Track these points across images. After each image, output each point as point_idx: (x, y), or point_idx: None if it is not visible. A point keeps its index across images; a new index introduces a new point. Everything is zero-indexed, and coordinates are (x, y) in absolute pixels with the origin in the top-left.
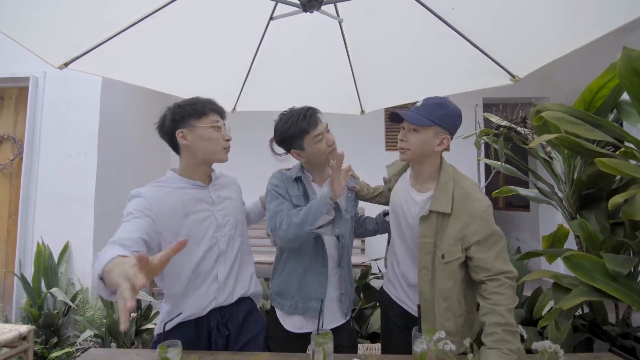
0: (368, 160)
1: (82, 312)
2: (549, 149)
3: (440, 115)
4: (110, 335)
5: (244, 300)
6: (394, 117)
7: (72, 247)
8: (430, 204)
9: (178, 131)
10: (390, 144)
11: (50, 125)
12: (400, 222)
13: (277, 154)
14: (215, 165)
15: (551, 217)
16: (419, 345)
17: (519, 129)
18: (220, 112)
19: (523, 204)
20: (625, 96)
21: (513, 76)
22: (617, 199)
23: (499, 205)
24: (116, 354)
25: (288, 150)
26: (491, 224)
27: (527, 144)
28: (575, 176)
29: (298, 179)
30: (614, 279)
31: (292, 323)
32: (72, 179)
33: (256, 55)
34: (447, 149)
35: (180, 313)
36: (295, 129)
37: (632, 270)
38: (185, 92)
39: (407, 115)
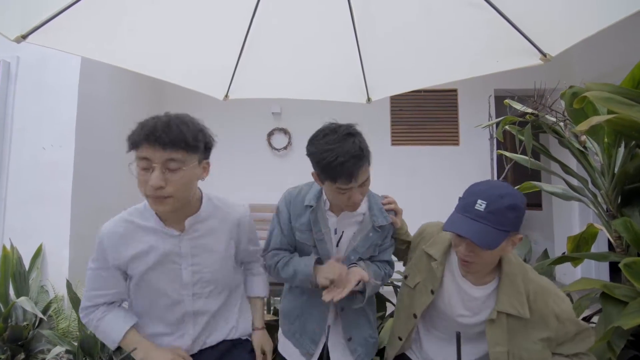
0: (373, 156)
1: (56, 322)
2: (583, 137)
3: (513, 219)
4: (82, 352)
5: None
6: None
7: (45, 250)
8: (497, 303)
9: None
10: (397, 139)
11: (23, 114)
12: (441, 317)
13: (276, 148)
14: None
15: (567, 216)
16: None
17: (547, 116)
18: (157, 142)
19: (534, 202)
20: None
21: (544, 54)
22: None
23: None
24: None
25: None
26: (581, 322)
27: (560, 134)
28: (616, 168)
29: (312, 209)
30: None
31: (284, 348)
32: (46, 174)
33: (248, 34)
34: None
35: (135, 349)
36: (325, 166)
37: None
38: (169, 75)
39: (480, 240)
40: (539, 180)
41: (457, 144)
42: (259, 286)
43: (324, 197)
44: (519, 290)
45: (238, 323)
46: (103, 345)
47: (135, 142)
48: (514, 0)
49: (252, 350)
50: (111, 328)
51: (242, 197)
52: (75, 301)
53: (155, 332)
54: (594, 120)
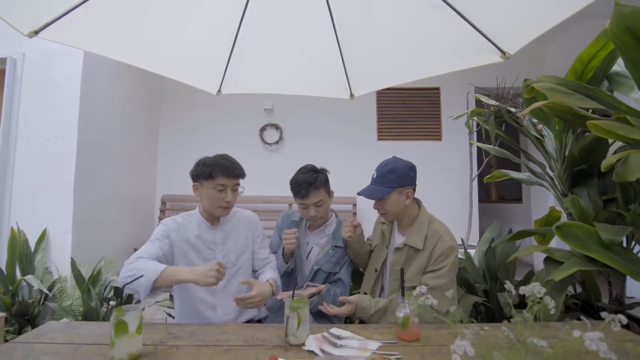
0: (359, 151)
1: (59, 301)
2: (540, 126)
3: (394, 179)
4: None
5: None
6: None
7: (50, 235)
8: (405, 238)
9: (193, 184)
10: (383, 134)
11: (28, 108)
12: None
13: (267, 143)
14: None
15: (543, 207)
16: (402, 311)
17: (509, 108)
18: (231, 175)
19: (515, 197)
20: (616, 67)
21: (503, 53)
22: (610, 159)
23: (491, 198)
24: (74, 326)
25: None
26: (443, 265)
27: (519, 123)
28: (566, 153)
29: (295, 223)
30: (608, 248)
31: None
32: (50, 164)
33: (238, 32)
34: (410, 198)
35: (142, 275)
36: (291, 187)
37: (627, 241)
38: (167, 70)
39: (368, 194)
40: (520, 171)
41: (440, 139)
42: (271, 272)
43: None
44: (422, 231)
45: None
46: (103, 317)
47: (212, 174)
48: (478, 3)
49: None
50: (148, 266)
51: None
52: (79, 279)
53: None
54: (535, 105)
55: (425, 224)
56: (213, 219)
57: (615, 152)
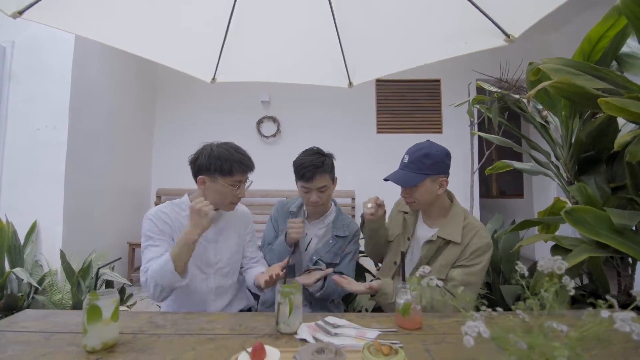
0: (358, 144)
1: (50, 295)
2: (545, 112)
3: (429, 165)
4: None
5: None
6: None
7: (40, 227)
8: (439, 230)
9: (200, 177)
10: (382, 126)
11: (18, 97)
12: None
13: (265, 136)
14: None
15: (545, 200)
16: (402, 297)
17: (513, 94)
18: (248, 170)
19: (516, 191)
20: (626, 48)
21: (507, 35)
22: (624, 137)
23: (492, 193)
24: (50, 314)
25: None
26: (475, 262)
27: (523, 110)
28: (573, 139)
29: (293, 213)
30: (620, 234)
31: None
32: (40, 154)
33: (231, 19)
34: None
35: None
36: (295, 168)
37: (636, 227)
38: (159, 56)
39: (400, 181)
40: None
41: (441, 132)
42: (263, 268)
43: (304, 207)
44: (458, 224)
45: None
46: None
47: (231, 170)
48: None
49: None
50: (159, 262)
51: None
52: (68, 271)
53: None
54: (541, 85)
55: (461, 217)
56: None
57: None
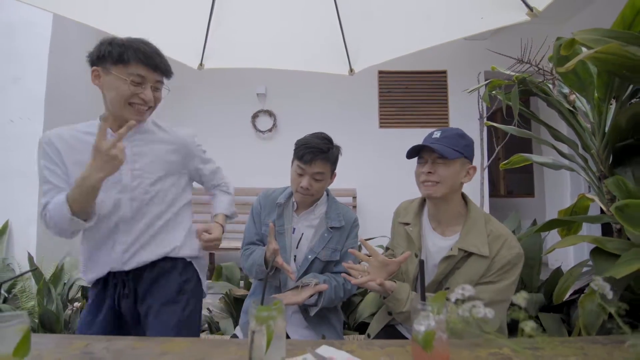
0: (359, 139)
1: (21, 301)
2: (573, 96)
3: (464, 146)
4: (42, 327)
5: (163, 261)
6: (413, 152)
7: (12, 227)
8: (459, 241)
9: (93, 68)
10: (385, 121)
11: None
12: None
13: (260, 131)
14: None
15: (560, 200)
16: (422, 322)
17: (540, 71)
18: (154, 68)
19: (526, 191)
20: None
21: (531, 9)
22: None
23: (499, 193)
24: None
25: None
26: (505, 277)
27: (547, 93)
28: (607, 126)
29: (280, 205)
30: None
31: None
32: (14, 147)
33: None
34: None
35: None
36: (297, 145)
37: None
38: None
39: (440, 148)
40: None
41: (447, 126)
42: (222, 203)
43: (293, 198)
44: (481, 232)
45: (183, 244)
46: (66, 320)
47: (122, 55)
48: None
49: (188, 274)
50: (56, 207)
51: (227, 173)
52: (37, 276)
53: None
54: (581, 56)
55: (482, 223)
56: (118, 125)
57: None
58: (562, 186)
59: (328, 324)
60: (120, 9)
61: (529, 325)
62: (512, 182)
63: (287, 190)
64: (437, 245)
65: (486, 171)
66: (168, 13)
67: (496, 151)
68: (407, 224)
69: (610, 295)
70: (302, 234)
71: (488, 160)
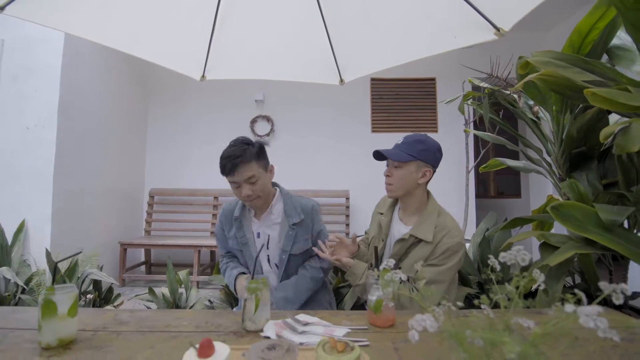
0: (353, 143)
1: (37, 295)
2: (536, 108)
3: (420, 150)
4: None
5: None
6: (378, 155)
7: (28, 226)
8: (412, 229)
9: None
10: (377, 126)
11: (7, 95)
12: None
13: (259, 135)
14: None
15: (541, 199)
16: (374, 293)
17: (503, 90)
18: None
19: (514, 192)
20: (616, 40)
21: (497, 29)
22: (610, 128)
23: (490, 194)
24: (16, 311)
25: None
26: (445, 261)
27: (514, 105)
28: (564, 135)
29: (237, 219)
30: (608, 230)
31: None
32: (29, 152)
33: (217, 15)
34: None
35: None
36: (220, 165)
37: (629, 225)
38: (147, 53)
39: (388, 153)
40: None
41: (436, 131)
42: None
43: (248, 207)
44: (431, 222)
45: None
46: None
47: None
48: None
49: None
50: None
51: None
52: (56, 271)
53: None
54: (528, 78)
55: (434, 215)
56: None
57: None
58: (542, 187)
59: (320, 307)
60: (122, 23)
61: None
62: (502, 184)
63: (240, 202)
64: (400, 232)
65: (472, 173)
66: (171, 27)
67: (481, 154)
68: (382, 213)
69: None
70: (269, 235)
71: (474, 162)
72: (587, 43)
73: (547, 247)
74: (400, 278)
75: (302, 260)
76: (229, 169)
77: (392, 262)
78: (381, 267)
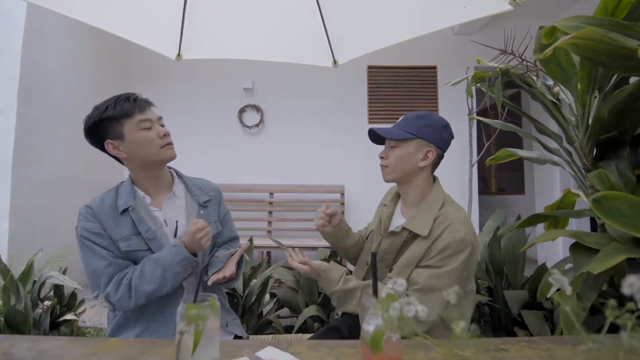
0: (348, 135)
1: None
2: (556, 89)
3: (421, 126)
4: (8, 327)
5: None
6: (374, 137)
7: None
8: (406, 222)
9: (107, 142)
10: (374, 116)
11: None
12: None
13: (247, 126)
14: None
15: (549, 196)
16: (372, 321)
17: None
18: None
19: (517, 188)
20: None
21: None
22: None
23: (490, 190)
24: None
25: (101, 143)
26: (445, 262)
27: (530, 85)
28: (591, 118)
29: (125, 211)
30: None
31: None
32: None
33: None
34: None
35: None
36: (114, 110)
37: None
38: (119, 28)
39: (382, 130)
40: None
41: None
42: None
43: (140, 193)
44: (430, 214)
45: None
46: (35, 320)
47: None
48: None
49: None
50: None
51: (211, 176)
52: (5, 274)
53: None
54: (559, 41)
55: (436, 205)
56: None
57: None
58: (551, 183)
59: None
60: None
61: (459, 326)
62: (504, 180)
63: (123, 191)
64: (397, 223)
65: (475, 167)
66: (142, 1)
67: (485, 147)
68: (385, 205)
69: (569, 290)
70: (177, 221)
71: (477, 156)
72: (624, 5)
73: (580, 248)
74: (416, 312)
75: (209, 250)
76: (141, 103)
77: (402, 283)
78: (384, 292)
